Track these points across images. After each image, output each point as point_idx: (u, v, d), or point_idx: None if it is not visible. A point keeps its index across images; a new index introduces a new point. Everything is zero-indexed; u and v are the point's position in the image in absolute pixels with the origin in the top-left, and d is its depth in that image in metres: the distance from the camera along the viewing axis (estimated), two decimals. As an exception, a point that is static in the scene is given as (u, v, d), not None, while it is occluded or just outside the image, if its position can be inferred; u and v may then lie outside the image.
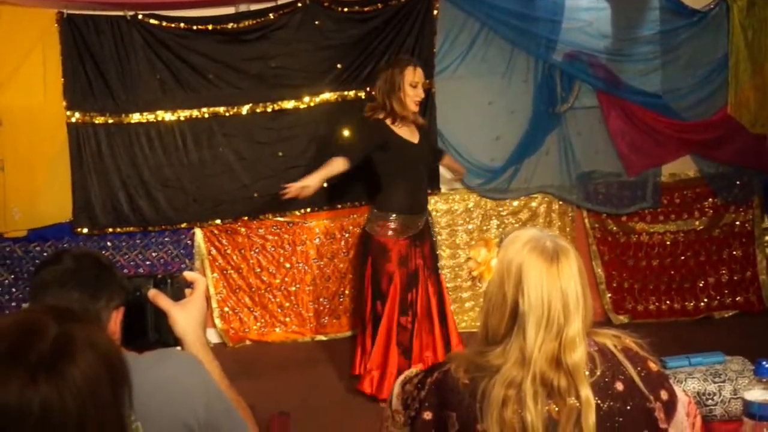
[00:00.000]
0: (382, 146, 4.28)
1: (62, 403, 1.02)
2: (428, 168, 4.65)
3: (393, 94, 4.25)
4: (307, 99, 5.15)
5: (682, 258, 5.52)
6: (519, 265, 1.69)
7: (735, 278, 5.53)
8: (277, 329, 5.34)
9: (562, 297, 1.66)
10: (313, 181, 4.22)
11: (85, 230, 5.05)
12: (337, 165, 4.24)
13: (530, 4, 5.20)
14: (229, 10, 5.10)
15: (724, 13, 5.31)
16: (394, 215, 4.31)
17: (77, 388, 1.04)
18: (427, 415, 1.73)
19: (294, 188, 4.21)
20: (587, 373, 1.65)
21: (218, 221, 5.22)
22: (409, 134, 4.36)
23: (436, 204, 5.35)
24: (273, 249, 5.30)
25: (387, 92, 4.27)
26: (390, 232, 4.30)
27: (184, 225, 5.20)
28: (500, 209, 5.45)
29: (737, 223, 5.54)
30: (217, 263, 5.28)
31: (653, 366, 1.75)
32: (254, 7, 5.10)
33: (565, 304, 1.66)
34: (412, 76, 4.24)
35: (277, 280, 5.32)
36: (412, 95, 4.25)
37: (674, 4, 5.27)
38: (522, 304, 1.67)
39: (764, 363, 1.91)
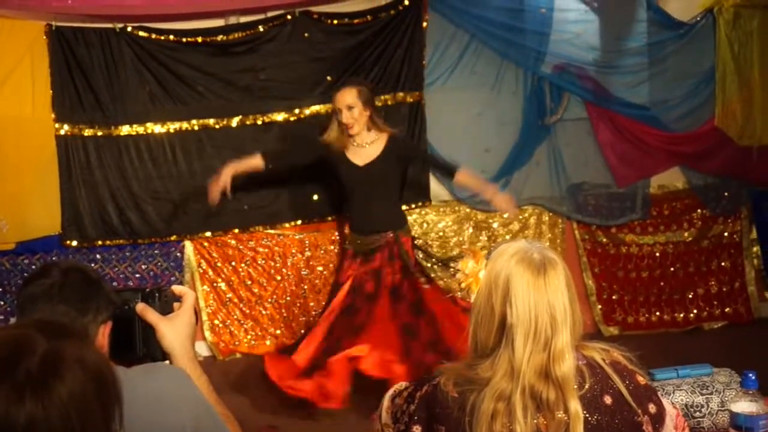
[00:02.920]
0: (320, 164, 4.60)
1: (47, 420, 1.03)
2: (391, 186, 4.64)
3: (335, 119, 4.50)
4: (297, 111, 5.15)
5: (671, 269, 5.53)
6: (506, 277, 1.70)
7: (724, 289, 5.55)
8: (268, 342, 5.31)
9: (549, 309, 1.66)
10: (225, 173, 4.45)
11: (74, 243, 5.02)
12: (254, 161, 4.55)
13: (519, 17, 5.23)
14: (219, 22, 5.10)
15: (711, 26, 5.34)
16: (348, 232, 4.66)
17: (63, 406, 1.04)
18: (417, 429, 1.73)
19: (213, 192, 4.48)
20: (575, 386, 1.65)
21: (208, 233, 5.21)
22: (361, 156, 4.50)
23: (426, 216, 5.36)
24: (263, 261, 5.29)
25: (333, 117, 4.52)
26: (349, 247, 4.63)
27: (173, 237, 5.18)
28: (491, 221, 5.45)
29: (725, 234, 5.57)
30: (207, 276, 5.26)
31: (641, 379, 1.76)
32: (244, 19, 5.11)
33: (552, 316, 1.66)
34: (335, 102, 4.45)
35: (268, 293, 5.31)
36: (340, 121, 4.44)
37: (661, 16, 5.30)
38: (510, 316, 1.67)
39: (750, 375, 1.92)
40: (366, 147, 4.50)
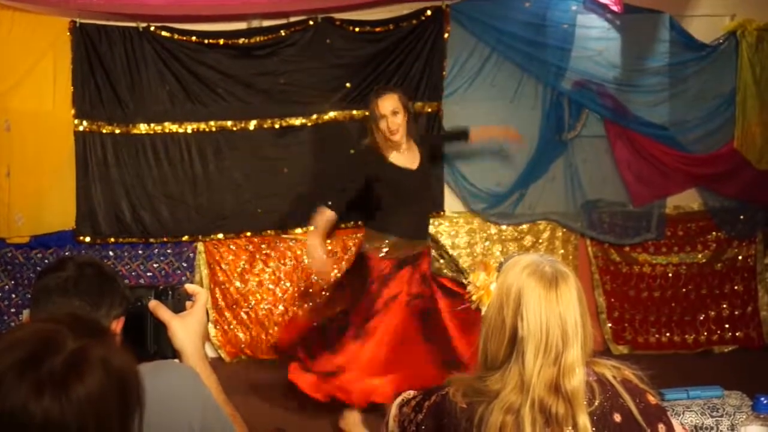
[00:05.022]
0: (375, 179, 4.29)
1: (63, 418, 1.04)
2: (430, 191, 4.65)
3: (374, 125, 4.28)
4: (314, 116, 5.16)
5: (684, 291, 5.50)
6: (518, 290, 1.69)
7: (736, 313, 5.51)
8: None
9: (560, 322, 1.65)
10: (316, 247, 4.27)
11: (88, 239, 5.05)
12: (327, 216, 4.28)
13: (541, 32, 5.23)
14: (241, 25, 5.13)
15: (733, 49, 5.33)
16: (388, 238, 4.32)
17: (80, 407, 1.05)
18: (423, 439, 1.72)
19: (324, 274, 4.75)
20: (585, 402, 1.64)
21: (220, 235, 5.22)
22: (408, 160, 4.34)
23: (439, 227, 5.35)
24: (274, 266, 5.29)
25: (371, 123, 4.31)
26: (381, 254, 4.31)
27: (186, 238, 5.19)
28: (503, 234, 5.44)
29: (740, 257, 5.53)
30: (217, 277, 5.27)
31: (652, 399, 1.74)
32: (266, 23, 5.14)
33: (563, 329, 1.65)
34: (379, 108, 4.24)
35: (277, 297, 5.30)
36: (384, 128, 4.24)
37: (684, 37, 5.29)
38: (521, 329, 1.66)
39: (762, 399, 1.90)
40: (406, 153, 4.35)
